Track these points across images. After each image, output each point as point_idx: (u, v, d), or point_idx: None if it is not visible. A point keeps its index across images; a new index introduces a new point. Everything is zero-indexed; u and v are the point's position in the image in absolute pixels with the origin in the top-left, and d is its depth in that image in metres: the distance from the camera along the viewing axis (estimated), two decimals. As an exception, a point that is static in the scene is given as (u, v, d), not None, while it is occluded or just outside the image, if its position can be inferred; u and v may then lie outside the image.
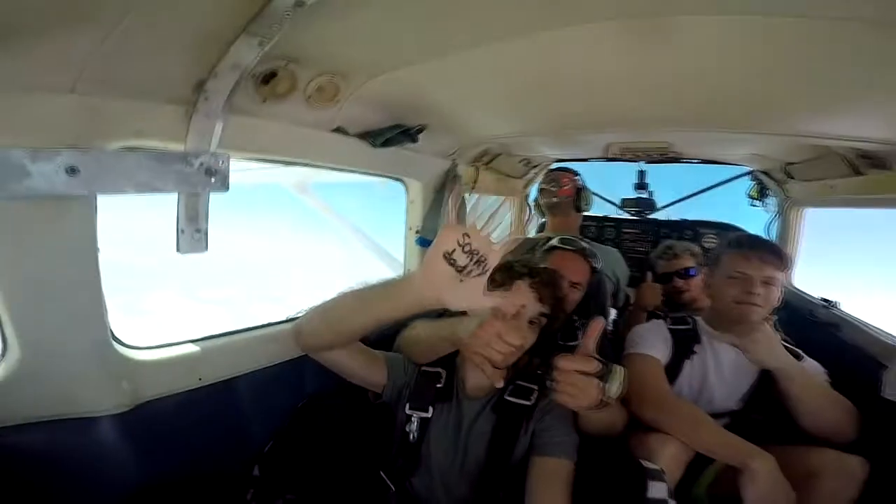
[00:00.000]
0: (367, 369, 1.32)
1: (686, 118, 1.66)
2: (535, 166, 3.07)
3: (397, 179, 1.89)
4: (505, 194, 3.11)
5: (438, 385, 1.31)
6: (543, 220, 2.71)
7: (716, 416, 1.52)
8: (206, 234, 1.05)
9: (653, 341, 1.57)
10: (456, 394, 1.32)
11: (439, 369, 1.34)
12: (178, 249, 1.02)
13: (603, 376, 1.03)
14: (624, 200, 3.28)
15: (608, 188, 3.31)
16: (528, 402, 1.26)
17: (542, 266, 1.37)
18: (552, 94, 1.45)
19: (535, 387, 1.29)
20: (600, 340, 1.12)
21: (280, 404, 1.38)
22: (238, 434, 1.30)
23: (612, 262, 2.28)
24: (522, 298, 1.23)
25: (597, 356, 1.06)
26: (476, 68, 1.25)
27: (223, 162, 1.00)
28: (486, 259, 0.88)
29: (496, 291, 1.15)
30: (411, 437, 1.28)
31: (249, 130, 1.17)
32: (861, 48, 0.96)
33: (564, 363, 1.04)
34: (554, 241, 1.86)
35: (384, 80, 1.25)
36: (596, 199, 2.82)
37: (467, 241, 0.85)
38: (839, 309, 2.07)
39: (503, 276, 1.26)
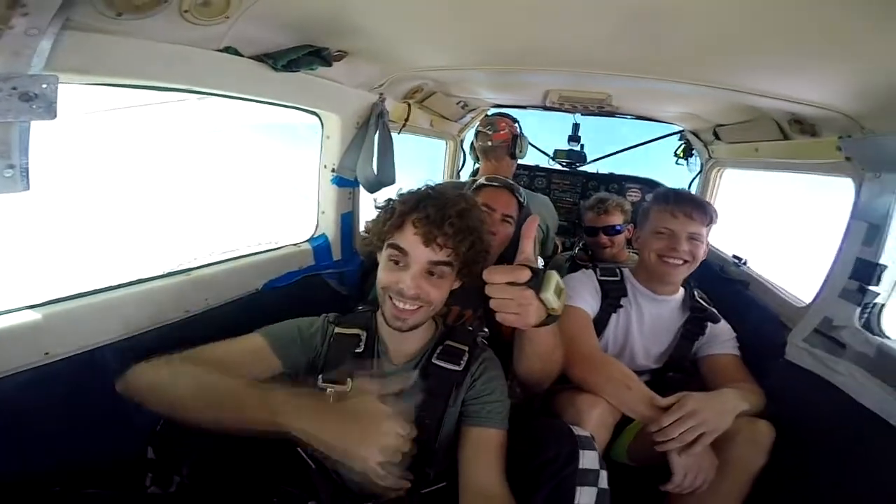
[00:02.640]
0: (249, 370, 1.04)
1: (626, 63, 1.53)
2: (472, 110, 2.92)
3: (311, 112, 1.61)
4: (438, 136, 2.95)
5: (357, 350, 1.12)
6: (477, 165, 2.58)
7: (637, 373, 1.51)
8: (27, 170, 0.78)
9: (583, 293, 1.53)
10: (377, 359, 1.14)
11: (357, 331, 1.15)
12: (-20, 190, 0.74)
13: (534, 285, 0.93)
14: (556, 151, 3.30)
15: (542, 139, 3.31)
16: (457, 368, 1.11)
17: (426, 197, 1.09)
18: (490, 23, 1.26)
19: (466, 348, 1.14)
20: None
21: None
22: (115, 415, 1.05)
23: (542, 209, 2.23)
24: (409, 243, 1.04)
25: (529, 264, 0.96)
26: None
27: (48, 85, 0.79)
28: None
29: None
30: None
31: (100, 49, 0.92)
32: (808, 7, 0.88)
33: (492, 275, 0.94)
34: (481, 181, 1.79)
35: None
36: (531, 148, 2.76)
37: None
38: (748, 267, 2.14)
39: (384, 216, 1.08)
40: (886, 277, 1.33)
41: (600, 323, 1.55)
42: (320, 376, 1.07)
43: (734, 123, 2.14)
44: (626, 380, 1.32)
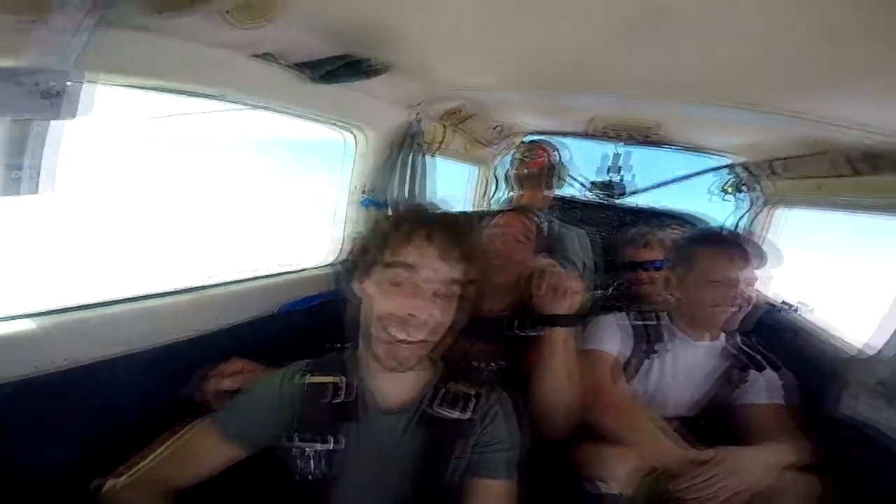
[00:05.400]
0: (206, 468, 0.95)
1: (681, 87, 1.44)
2: (508, 136, 2.82)
3: (345, 128, 1.55)
4: (471, 162, 2.88)
5: (336, 400, 0.95)
6: (512, 193, 2.48)
7: (667, 420, 1.42)
8: (38, 172, 0.71)
9: (612, 336, 1.45)
10: (365, 408, 0.97)
11: (333, 378, 0.97)
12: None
13: None
14: (593, 183, 3.14)
15: (577, 168, 3.15)
16: (463, 416, 0.95)
17: (440, 211, 1.00)
18: (540, 40, 1.17)
19: (473, 392, 0.98)
20: None
21: (161, 397, 1.08)
22: (98, 435, 1.00)
23: (579, 245, 2.10)
24: (420, 259, 0.90)
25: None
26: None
27: (72, 83, 0.75)
28: None
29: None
30: (310, 476, 0.93)
31: (135, 48, 0.89)
32: (881, 24, 0.77)
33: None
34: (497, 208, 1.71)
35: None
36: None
37: None
38: (800, 314, 1.97)
39: (387, 230, 0.94)
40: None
41: (631, 368, 1.45)
42: (296, 435, 0.94)
43: (795, 157, 1.99)
44: (658, 431, 1.24)
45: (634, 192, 3.13)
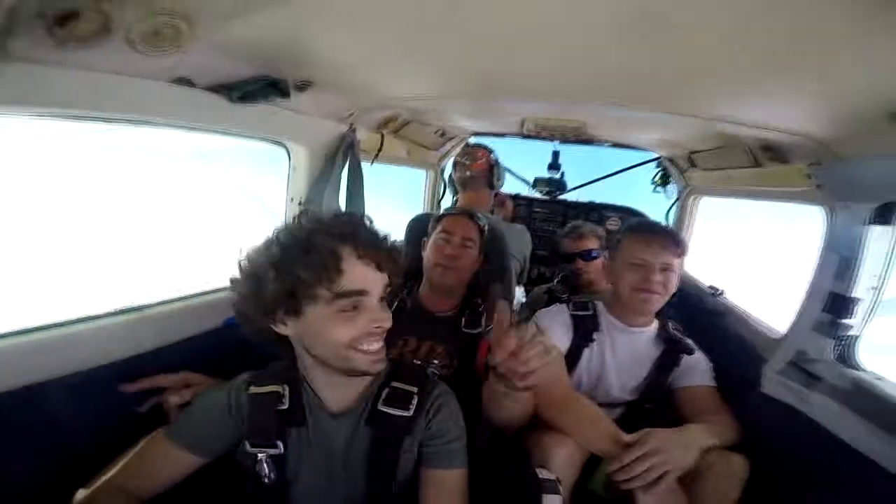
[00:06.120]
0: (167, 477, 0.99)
1: (599, 91, 1.51)
2: (451, 138, 2.90)
3: (278, 143, 1.58)
4: (417, 166, 2.94)
5: (281, 408, 1.00)
6: (456, 197, 2.57)
7: (612, 406, 1.54)
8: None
9: (554, 329, 1.51)
10: (311, 413, 1.02)
11: (275, 387, 1.02)
12: None
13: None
14: (536, 180, 3.30)
15: (523, 167, 3.31)
16: (406, 413, 1.00)
17: (340, 223, 0.96)
18: (461, 51, 1.22)
19: (414, 389, 1.03)
20: None
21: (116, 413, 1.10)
22: (51, 456, 1.02)
23: (518, 240, 2.21)
24: (371, 283, 0.93)
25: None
26: (370, 13, 0.98)
27: None
28: None
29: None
30: (265, 479, 0.99)
31: (39, 80, 0.88)
32: (776, 31, 0.86)
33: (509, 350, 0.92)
34: (442, 212, 1.79)
35: (248, 23, 0.96)
36: (511, 177, 2.75)
37: None
38: (725, 297, 2.13)
39: (318, 264, 0.88)
40: (860, 310, 1.31)
41: (572, 358, 1.52)
42: (246, 443, 0.99)
43: (708, 150, 2.14)
44: (593, 417, 1.31)
45: (574, 188, 3.30)
